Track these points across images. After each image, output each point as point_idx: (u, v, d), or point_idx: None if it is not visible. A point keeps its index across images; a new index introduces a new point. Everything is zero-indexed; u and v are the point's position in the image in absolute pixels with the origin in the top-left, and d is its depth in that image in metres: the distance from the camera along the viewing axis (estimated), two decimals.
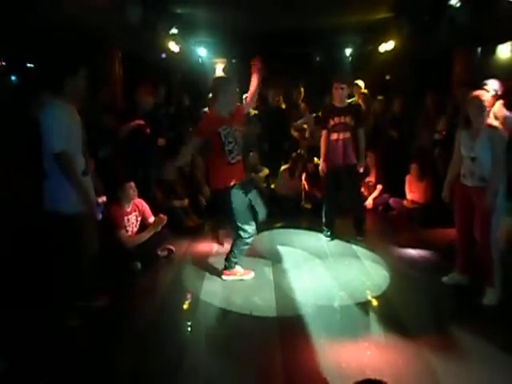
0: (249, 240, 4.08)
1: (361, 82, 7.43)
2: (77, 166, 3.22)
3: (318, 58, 8.96)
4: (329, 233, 5.33)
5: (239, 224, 3.97)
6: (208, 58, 8.70)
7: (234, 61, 9.09)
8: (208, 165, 4.07)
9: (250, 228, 4.03)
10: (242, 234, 4.01)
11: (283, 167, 6.82)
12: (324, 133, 5.18)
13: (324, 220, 5.37)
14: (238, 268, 4.20)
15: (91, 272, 3.50)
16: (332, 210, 5.33)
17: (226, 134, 3.88)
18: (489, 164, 3.50)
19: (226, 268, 4.18)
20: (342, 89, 5.03)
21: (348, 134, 5.04)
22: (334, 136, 5.06)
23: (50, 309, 3.35)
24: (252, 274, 4.20)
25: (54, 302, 3.36)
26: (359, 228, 5.34)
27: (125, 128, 5.11)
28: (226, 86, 3.94)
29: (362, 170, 5.30)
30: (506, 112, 3.93)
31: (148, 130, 5.22)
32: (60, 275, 3.32)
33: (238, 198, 3.96)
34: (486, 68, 7.03)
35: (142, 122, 5.15)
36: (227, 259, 4.17)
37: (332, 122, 5.05)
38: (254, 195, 4.12)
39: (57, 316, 3.29)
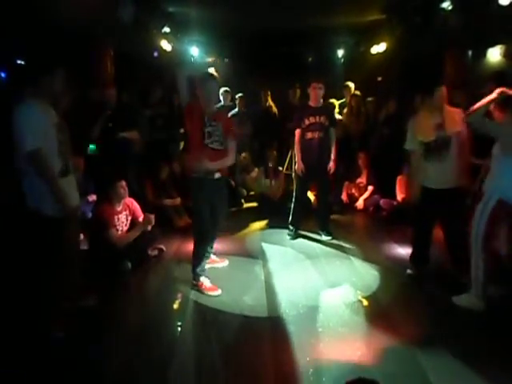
0: (207, 248, 3.98)
1: (351, 84, 7.46)
2: (52, 167, 3.04)
3: (310, 59, 8.98)
4: (293, 232, 5.42)
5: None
6: (200, 57, 8.68)
7: (226, 60, 9.09)
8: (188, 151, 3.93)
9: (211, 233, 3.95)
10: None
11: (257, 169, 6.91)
12: (297, 132, 5.24)
13: (291, 219, 5.45)
14: (203, 280, 3.95)
15: (78, 272, 3.44)
16: (301, 209, 5.45)
17: (209, 125, 3.73)
18: None
19: (193, 278, 4.00)
20: (319, 89, 5.11)
21: (322, 134, 5.14)
22: (309, 135, 5.15)
23: (35, 315, 3.18)
24: (218, 292, 3.87)
25: (38, 308, 3.18)
26: (323, 225, 5.43)
27: (96, 126, 5.07)
28: (205, 82, 3.76)
29: (332, 168, 5.24)
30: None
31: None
32: (41, 280, 3.14)
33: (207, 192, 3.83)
34: (477, 70, 7.09)
35: (109, 112, 5.12)
36: (192, 269, 4.00)
37: (307, 122, 5.14)
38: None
39: (43, 323, 3.15)
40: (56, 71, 3.13)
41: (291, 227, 5.45)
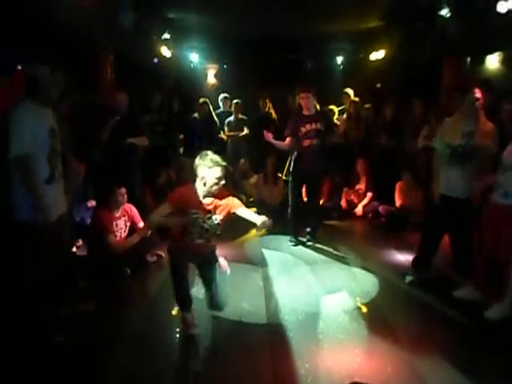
0: None
1: (350, 90, 7.48)
2: (39, 173, 3.00)
3: (309, 66, 9.01)
4: (293, 238, 5.43)
5: None
6: (200, 63, 8.71)
7: (225, 66, 9.12)
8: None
9: None
10: None
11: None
12: (289, 140, 5.22)
13: (291, 226, 5.47)
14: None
15: (74, 278, 3.43)
16: (298, 216, 5.44)
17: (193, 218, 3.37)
18: None
19: None
20: (308, 97, 5.15)
21: (319, 140, 5.18)
22: (307, 142, 5.16)
23: (34, 319, 3.12)
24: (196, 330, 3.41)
25: (38, 313, 3.13)
26: (311, 234, 5.45)
27: (105, 131, 5.06)
28: (203, 174, 3.35)
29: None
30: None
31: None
32: (38, 284, 3.09)
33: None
34: (476, 77, 7.11)
35: (117, 117, 5.08)
36: None
37: (304, 130, 5.15)
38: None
39: (43, 328, 3.14)
40: (53, 75, 3.12)
41: (292, 234, 5.45)
